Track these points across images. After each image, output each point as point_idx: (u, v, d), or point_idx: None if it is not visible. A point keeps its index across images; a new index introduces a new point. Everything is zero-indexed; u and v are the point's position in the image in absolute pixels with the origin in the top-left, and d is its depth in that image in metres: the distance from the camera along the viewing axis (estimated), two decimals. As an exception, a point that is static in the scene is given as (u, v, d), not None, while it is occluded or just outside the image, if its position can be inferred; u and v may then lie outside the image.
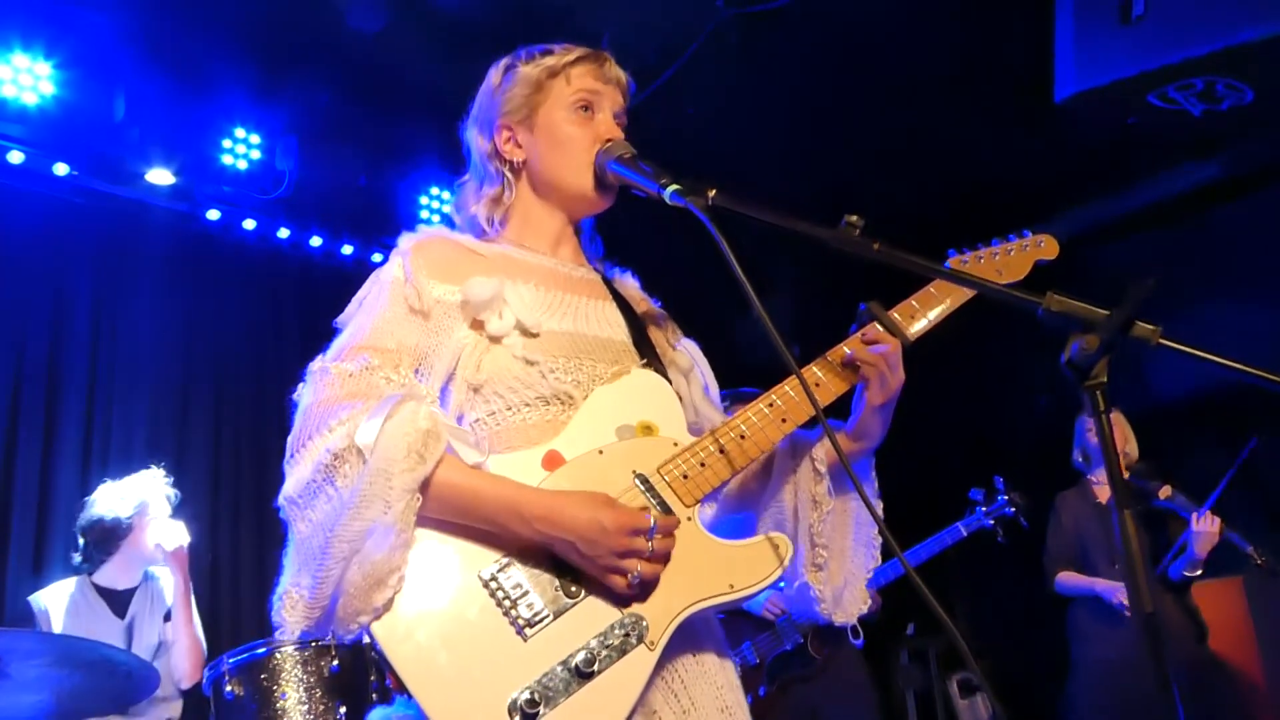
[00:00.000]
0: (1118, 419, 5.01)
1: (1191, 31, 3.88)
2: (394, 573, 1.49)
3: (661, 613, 1.59)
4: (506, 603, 1.55)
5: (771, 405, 1.78)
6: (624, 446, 1.71)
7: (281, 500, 1.58)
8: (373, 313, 1.74)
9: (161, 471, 4.24)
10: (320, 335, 1.84)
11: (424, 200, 5.96)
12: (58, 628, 3.84)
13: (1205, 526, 4.63)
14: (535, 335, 1.74)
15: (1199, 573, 4.74)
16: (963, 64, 5.17)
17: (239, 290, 5.64)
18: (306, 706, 3.36)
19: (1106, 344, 1.15)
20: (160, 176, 5.17)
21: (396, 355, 1.68)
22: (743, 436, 1.75)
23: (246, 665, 3.42)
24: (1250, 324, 5.63)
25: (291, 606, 1.52)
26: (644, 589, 1.57)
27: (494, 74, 1.96)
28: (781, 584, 1.73)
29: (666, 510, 1.66)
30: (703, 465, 1.71)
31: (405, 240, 1.83)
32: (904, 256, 1.45)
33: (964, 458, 6.65)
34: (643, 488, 1.67)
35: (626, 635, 1.56)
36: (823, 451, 1.85)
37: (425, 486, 1.53)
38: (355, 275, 5.74)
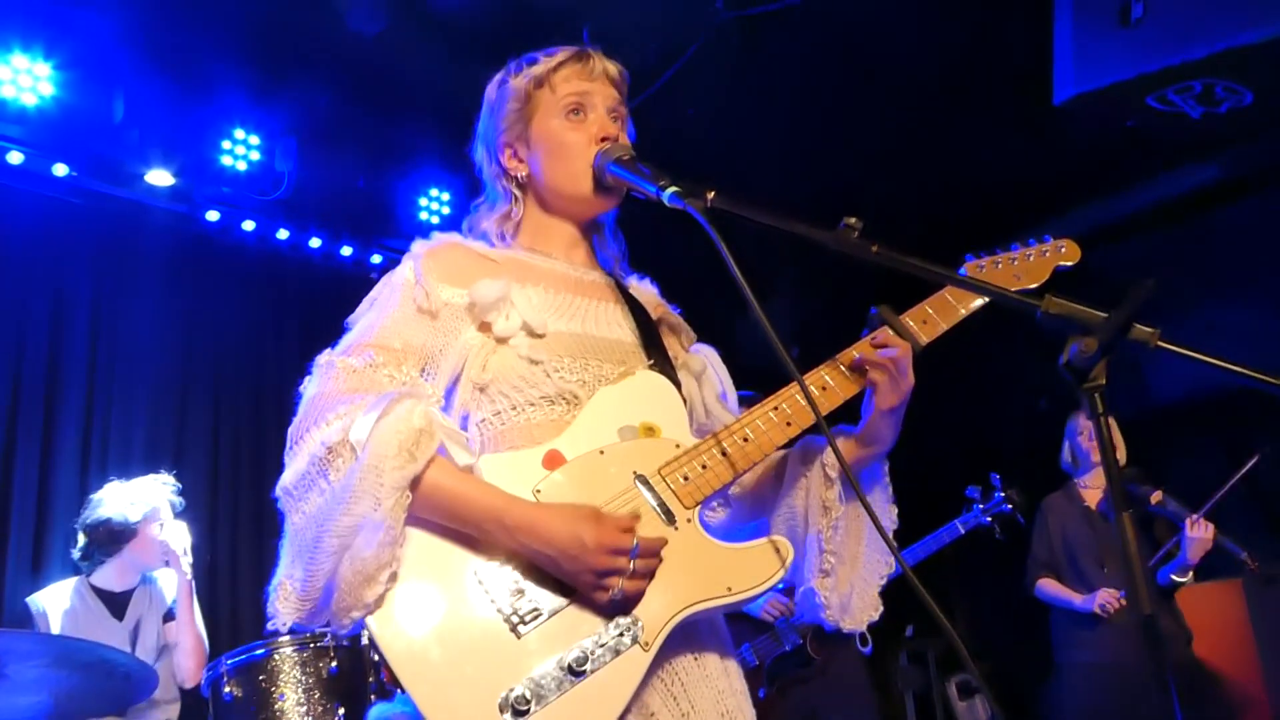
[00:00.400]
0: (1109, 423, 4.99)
1: (1190, 34, 3.88)
2: (384, 569, 1.50)
3: (657, 614, 1.58)
4: (501, 600, 1.55)
5: (777, 409, 1.77)
6: (625, 447, 1.71)
7: (278, 490, 1.60)
8: (382, 312, 1.75)
9: (168, 477, 4.24)
10: (320, 336, 1.84)
11: (423, 202, 5.96)
12: (56, 629, 3.83)
13: (1198, 532, 4.63)
14: (541, 336, 1.75)
15: (1188, 578, 4.74)
16: (962, 66, 5.18)
17: (238, 291, 5.64)
18: (305, 708, 3.36)
19: (1105, 346, 1.15)
20: (159, 178, 5.17)
21: (401, 354, 1.69)
22: (746, 439, 1.74)
23: (245, 666, 3.42)
24: (1249, 326, 5.64)
25: (285, 598, 1.54)
26: (629, 603, 1.57)
27: (490, 90, 1.97)
28: (780, 585, 1.73)
29: (666, 511, 1.66)
30: (704, 467, 1.71)
31: (419, 245, 1.84)
32: (903, 259, 1.45)
33: (962, 458, 6.65)
34: (643, 489, 1.67)
35: (621, 635, 1.56)
36: (833, 457, 1.84)
37: (415, 485, 1.53)
38: (354, 276, 5.76)
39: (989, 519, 4.84)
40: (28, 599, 3.96)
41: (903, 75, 5.28)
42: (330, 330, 1.81)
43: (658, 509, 1.65)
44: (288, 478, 1.58)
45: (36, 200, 5.02)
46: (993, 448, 6.57)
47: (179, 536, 4.06)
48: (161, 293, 5.36)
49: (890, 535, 1.83)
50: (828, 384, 1.80)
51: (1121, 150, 5.61)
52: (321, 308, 5.68)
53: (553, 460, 1.67)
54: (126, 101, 4.91)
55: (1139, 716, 4.45)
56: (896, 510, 1.90)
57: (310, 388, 1.65)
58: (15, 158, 4.84)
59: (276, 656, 3.40)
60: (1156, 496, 4.74)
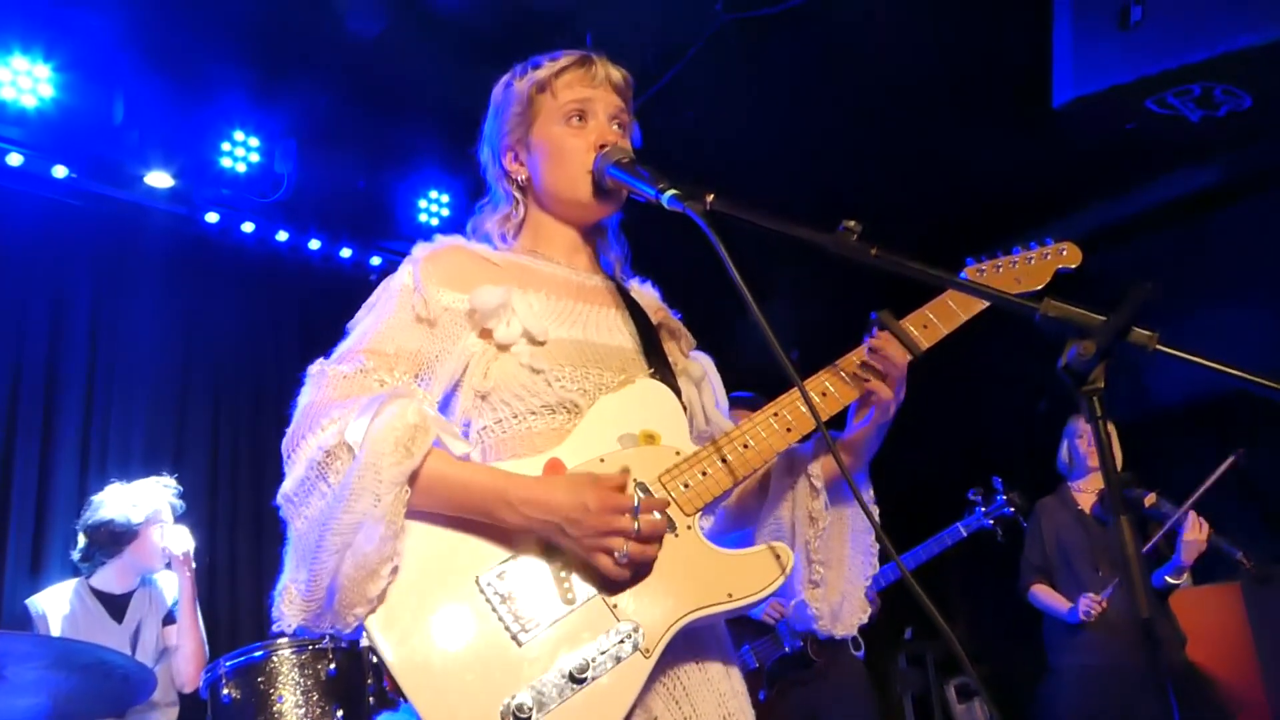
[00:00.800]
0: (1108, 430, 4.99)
1: (1189, 37, 3.89)
2: (386, 563, 1.51)
3: (658, 621, 1.58)
4: (503, 608, 1.55)
5: (777, 416, 1.77)
6: (625, 455, 1.70)
7: (279, 499, 1.61)
8: (378, 318, 1.75)
9: (170, 480, 4.24)
10: (319, 338, 1.84)
11: (422, 204, 5.96)
12: (56, 631, 3.83)
13: (1194, 534, 4.63)
14: (542, 343, 1.74)
15: (1183, 580, 4.74)
16: (961, 69, 5.18)
17: (237, 293, 5.65)
18: (304, 710, 3.35)
19: (1104, 349, 1.15)
20: (159, 179, 5.17)
21: (394, 359, 1.69)
22: (746, 446, 1.74)
23: (243, 668, 3.41)
24: (1248, 329, 5.64)
25: (290, 601, 1.54)
26: (635, 571, 1.57)
27: (496, 92, 1.98)
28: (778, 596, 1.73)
29: (667, 519, 1.65)
30: (704, 474, 1.71)
31: (419, 249, 1.83)
32: (901, 261, 1.45)
33: (959, 460, 6.65)
34: (643, 496, 1.67)
35: (622, 642, 1.56)
36: (819, 467, 1.85)
37: (414, 479, 1.54)
38: (354, 278, 5.76)
39: (990, 522, 4.84)
40: (27, 601, 3.95)
41: (902, 78, 5.28)
42: (330, 332, 1.81)
43: (656, 517, 1.65)
44: (288, 485, 1.59)
45: (36, 202, 5.02)
46: (991, 449, 6.57)
47: (182, 540, 4.06)
48: (161, 294, 5.36)
49: (872, 539, 1.84)
50: (828, 390, 1.80)
51: (1121, 153, 5.61)
52: (321, 309, 5.69)
53: (554, 468, 1.67)
54: (126, 103, 4.91)
55: (1133, 719, 4.46)
56: (878, 511, 1.91)
57: (303, 397, 1.66)
58: (15, 159, 4.85)
59: (275, 658, 3.40)
60: (1150, 499, 4.74)
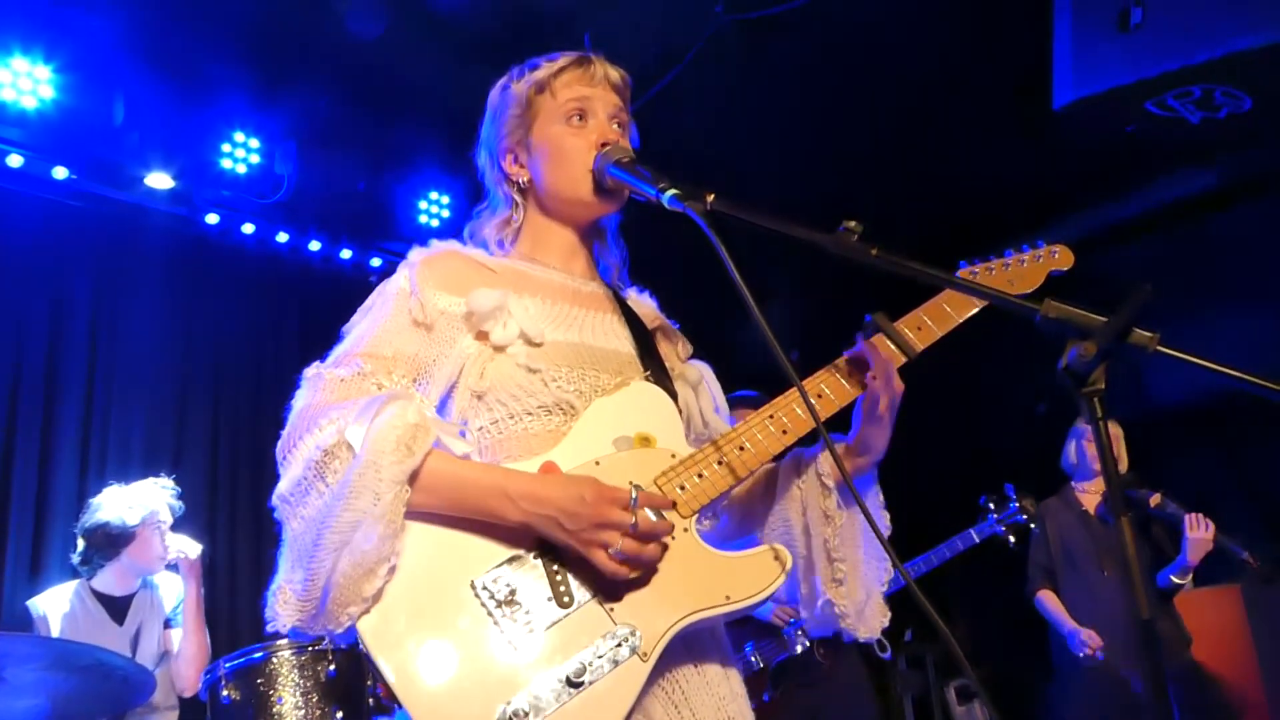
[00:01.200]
0: (1114, 431, 5.01)
1: (1189, 39, 3.89)
2: (383, 563, 1.50)
3: (656, 625, 1.58)
4: (498, 612, 1.55)
5: (773, 418, 1.77)
6: (621, 457, 1.70)
7: (275, 499, 1.59)
8: (374, 322, 1.74)
9: (168, 482, 4.24)
10: (319, 339, 1.84)
11: (423, 205, 5.97)
12: (56, 633, 3.83)
13: (1199, 533, 4.63)
14: (539, 345, 1.74)
15: (1188, 580, 4.74)
16: (961, 71, 5.18)
17: (237, 294, 5.65)
18: (303, 711, 3.35)
19: (1104, 351, 1.15)
20: (159, 180, 5.17)
21: (391, 362, 1.69)
22: (742, 449, 1.74)
23: (243, 670, 3.41)
24: (1248, 331, 5.64)
25: (284, 601, 1.53)
26: (633, 568, 1.56)
27: (493, 95, 1.97)
28: (781, 598, 1.72)
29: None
30: (700, 477, 1.70)
31: (415, 253, 1.83)
32: (902, 262, 1.45)
33: (958, 462, 6.66)
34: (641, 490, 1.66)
35: (619, 646, 1.55)
36: (828, 465, 1.84)
37: (414, 479, 1.54)
38: (354, 280, 5.75)
39: (1003, 529, 4.83)
40: (28, 602, 3.95)
41: (902, 79, 5.29)
42: (329, 333, 1.80)
43: (654, 519, 1.65)
44: (284, 486, 1.58)
45: (36, 203, 5.02)
46: (995, 454, 6.57)
47: (192, 545, 4.06)
48: (161, 296, 5.36)
49: (887, 541, 1.83)
50: (824, 392, 1.79)
51: (1121, 155, 5.61)
52: (321, 311, 5.69)
53: (549, 471, 1.66)
54: (126, 104, 4.91)
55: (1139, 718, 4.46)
56: (889, 516, 1.90)
57: (299, 400, 1.66)
58: (15, 160, 4.85)
59: (275, 660, 3.40)
60: (1155, 499, 4.75)
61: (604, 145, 1.84)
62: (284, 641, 3.40)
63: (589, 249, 1.98)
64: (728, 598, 1.63)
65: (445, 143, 5.59)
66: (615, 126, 1.89)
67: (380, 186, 5.81)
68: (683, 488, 1.69)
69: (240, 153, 5.32)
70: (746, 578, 1.65)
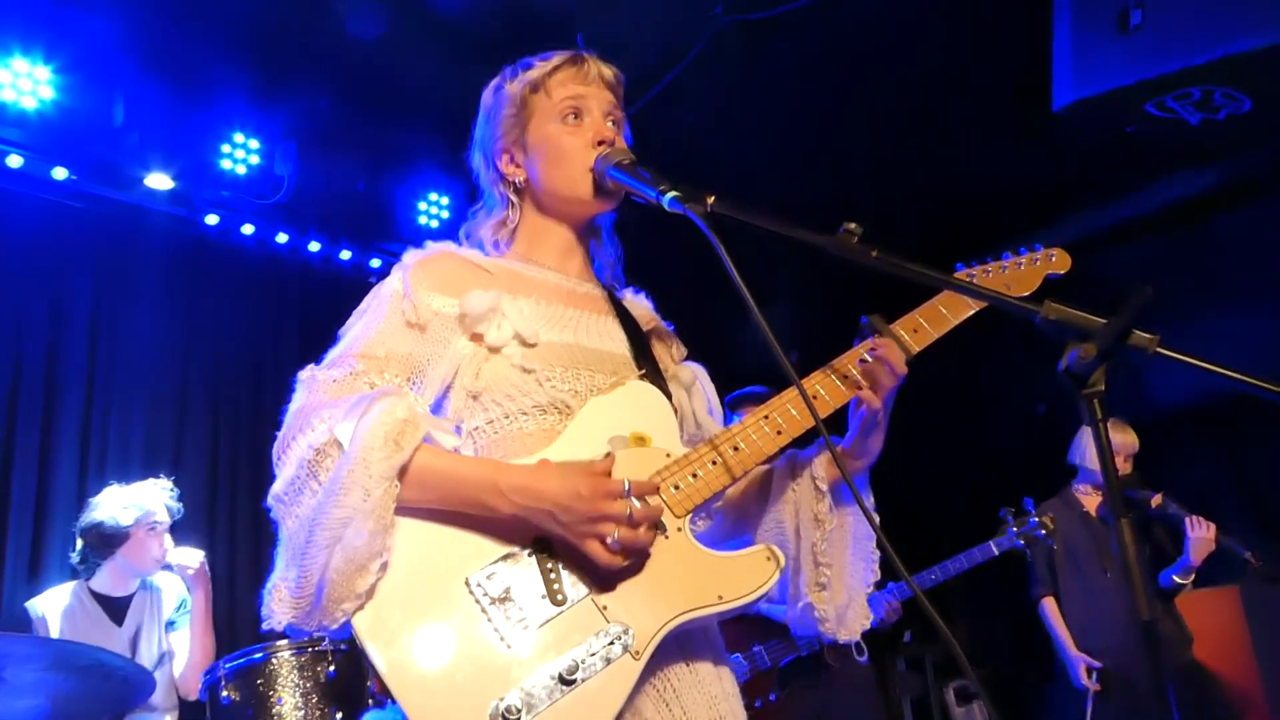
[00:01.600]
0: (1127, 435, 5.00)
1: (1189, 41, 3.89)
2: (375, 558, 1.50)
3: (648, 623, 1.58)
4: (492, 609, 1.55)
5: (768, 418, 1.77)
6: (616, 456, 1.70)
7: (270, 500, 1.60)
8: (369, 324, 1.75)
9: (167, 483, 4.23)
10: (318, 340, 1.84)
11: (422, 206, 5.97)
12: (55, 634, 3.83)
13: (1201, 533, 4.64)
14: (533, 345, 1.75)
15: (1191, 580, 4.75)
16: (961, 72, 5.18)
17: (237, 295, 5.65)
18: (303, 712, 3.35)
19: (1104, 352, 1.15)
20: (159, 181, 5.17)
21: (384, 362, 1.69)
22: (736, 449, 1.74)
23: (243, 670, 3.41)
24: (1248, 333, 5.64)
25: (279, 599, 1.54)
26: (629, 559, 1.57)
27: (486, 97, 1.98)
28: (774, 596, 1.72)
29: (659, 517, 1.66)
30: (695, 476, 1.71)
31: (409, 255, 1.84)
32: (901, 264, 1.45)
33: (958, 463, 6.66)
34: (634, 498, 1.66)
35: (611, 644, 1.55)
36: (823, 469, 1.84)
37: (404, 474, 1.54)
38: (353, 280, 5.75)
39: (1022, 542, 4.81)
40: (27, 604, 3.95)
41: (902, 81, 5.29)
42: (329, 334, 1.81)
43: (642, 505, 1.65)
44: (278, 486, 1.59)
45: (36, 204, 5.02)
46: (989, 453, 6.57)
47: (191, 556, 4.05)
48: (161, 296, 5.36)
49: (872, 544, 1.84)
50: (819, 393, 1.80)
51: (1120, 156, 5.61)
52: (320, 311, 5.68)
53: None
54: (126, 105, 4.91)
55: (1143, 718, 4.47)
56: (878, 519, 1.91)
57: (294, 402, 1.66)
58: (15, 161, 4.85)
59: (274, 660, 3.39)
60: (1157, 500, 4.76)
61: (601, 143, 1.85)
62: (284, 642, 3.40)
63: (585, 248, 1.98)
64: (720, 597, 1.63)
65: (445, 144, 5.59)
66: (610, 124, 1.89)
67: (380, 187, 5.81)
68: (677, 487, 1.69)
69: (240, 153, 5.31)
70: (739, 577, 1.66)
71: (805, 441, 1.82)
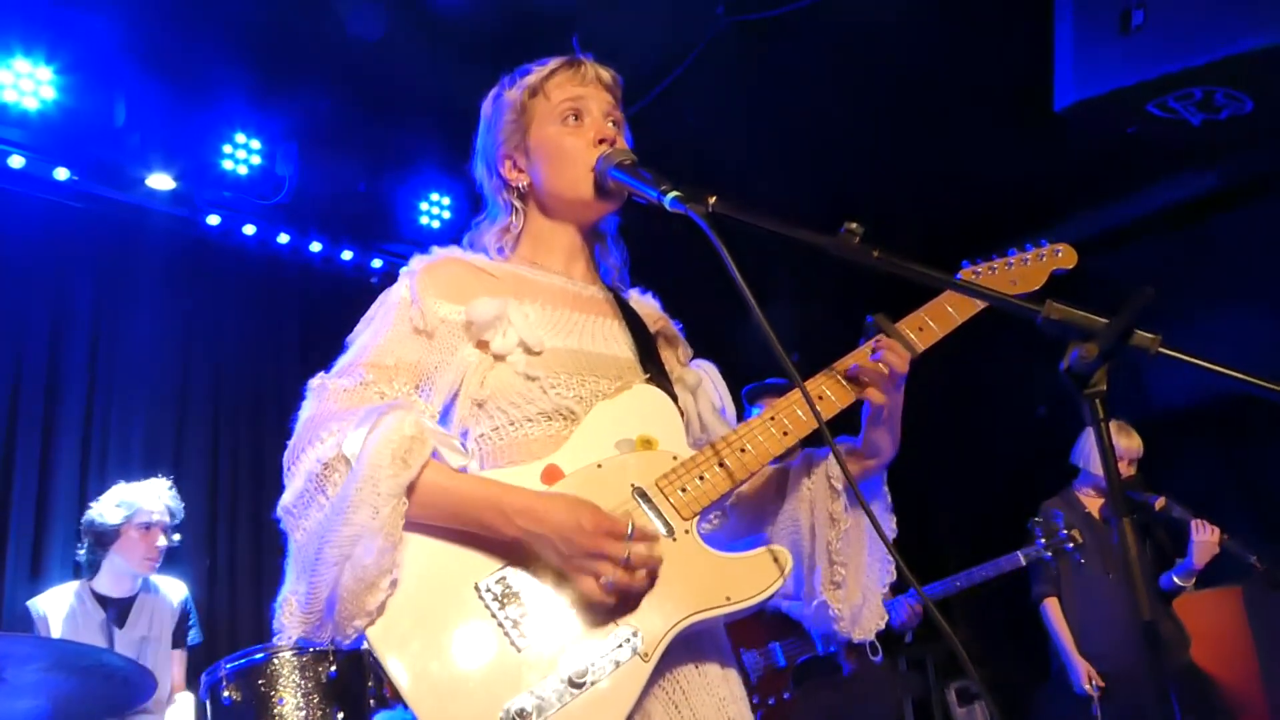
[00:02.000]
0: (1131, 439, 4.99)
1: (1191, 41, 3.89)
2: (385, 575, 1.51)
3: (657, 625, 1.58)
4: (502, 613, 1.56)
5: (774, 419, 1.77)
6: (623, 460, 1.71)
7: (279, 511, 1.61)
8: (377, 332, 1.76)
9: (166, 482, 4.24)
10: (320, 340, 1.85)
11: (424, 206, 5.97)
12: (56, 634, 3.83)
13: (1205, 536, 4.64)
14: (538, 353, 1.75)
15: (1191, 583, 4.75)
16: (963, 72, 5.18)
17: (238, 295, 5.65)
18: (304, 712, 3.35)
19: (1106, 352, 1.15)
20: (160, 182, 5.17)
21: (394, 371, 1.70)
22: (743, 450, 1.74)
23: (244, 670, 3.41)
24: (1249, 332, 5.64)
25: (290, 613, 1.55)
26: (625, 600, 1.57)
27: (485, 106, 1.99)
28: (788, 591, 1.72)
29: (664, 523, 1.66)
30: (701, 479, 1.71)
31: (416, 261, 1.84)
32: (903, 264, 1.45)
33: (958, 464, 6.65)
34: (640, 501, 1.67)
35: (620, 647, 1.56)
36: (838, 468, 1.84)
37: (411, 491, 1.54)
38: (355, 281, 5.75)
39: (1050, 554, 4.79)
40: (29, 602, 3.96)
41: (903, 81, 5.29)
42: (330, 334, 1.81)
43: (656, 521, 1.66)
44: (287, 498, 1.60)
45: (37, 204, 5.02)
46: (989, 453, 6.57)
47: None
48: (162, 297, 5.36)
49: (892, 543, 1.83)
50: (825, 394, 1.79)
51: (1122, 157, 5.61)
52: (322, 312, 5.69)
53: (551, 475, 1.67)
54: (128, 106, 4.91)
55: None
56: (895, 519, 1.90)
57: (304, 411, 1.67)
58: (16, 161, 4.85)
59: (276, 661, 3.39)
60: (1160, 503, 4.76)
61: (601, 142, 1.85)
62: (285, 642, 3.39)
63: (590, 251, 1.99)
64: (728, 599, 1.63)
65: (446, 144, 5.59)
66: (610, 124, 1.90)
67: (381, 188, 5.81)
68: (684, 489, 1.69)
69: (241, 154, 5.31)
70: (746, 579, 1.66)
71: (815, 441, 1.82)
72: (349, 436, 1.55)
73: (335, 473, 1.55)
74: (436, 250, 1.88)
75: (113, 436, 5.05)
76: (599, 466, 1.69)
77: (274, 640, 1.56)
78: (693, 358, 2.06)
